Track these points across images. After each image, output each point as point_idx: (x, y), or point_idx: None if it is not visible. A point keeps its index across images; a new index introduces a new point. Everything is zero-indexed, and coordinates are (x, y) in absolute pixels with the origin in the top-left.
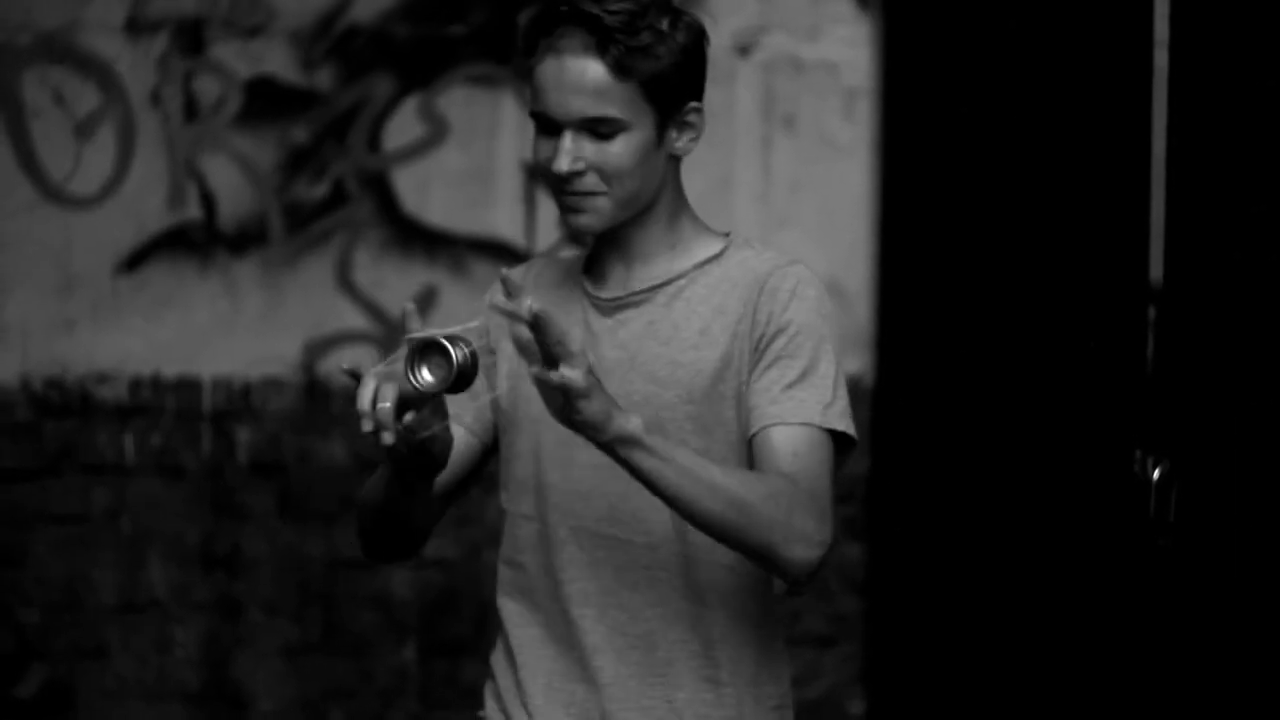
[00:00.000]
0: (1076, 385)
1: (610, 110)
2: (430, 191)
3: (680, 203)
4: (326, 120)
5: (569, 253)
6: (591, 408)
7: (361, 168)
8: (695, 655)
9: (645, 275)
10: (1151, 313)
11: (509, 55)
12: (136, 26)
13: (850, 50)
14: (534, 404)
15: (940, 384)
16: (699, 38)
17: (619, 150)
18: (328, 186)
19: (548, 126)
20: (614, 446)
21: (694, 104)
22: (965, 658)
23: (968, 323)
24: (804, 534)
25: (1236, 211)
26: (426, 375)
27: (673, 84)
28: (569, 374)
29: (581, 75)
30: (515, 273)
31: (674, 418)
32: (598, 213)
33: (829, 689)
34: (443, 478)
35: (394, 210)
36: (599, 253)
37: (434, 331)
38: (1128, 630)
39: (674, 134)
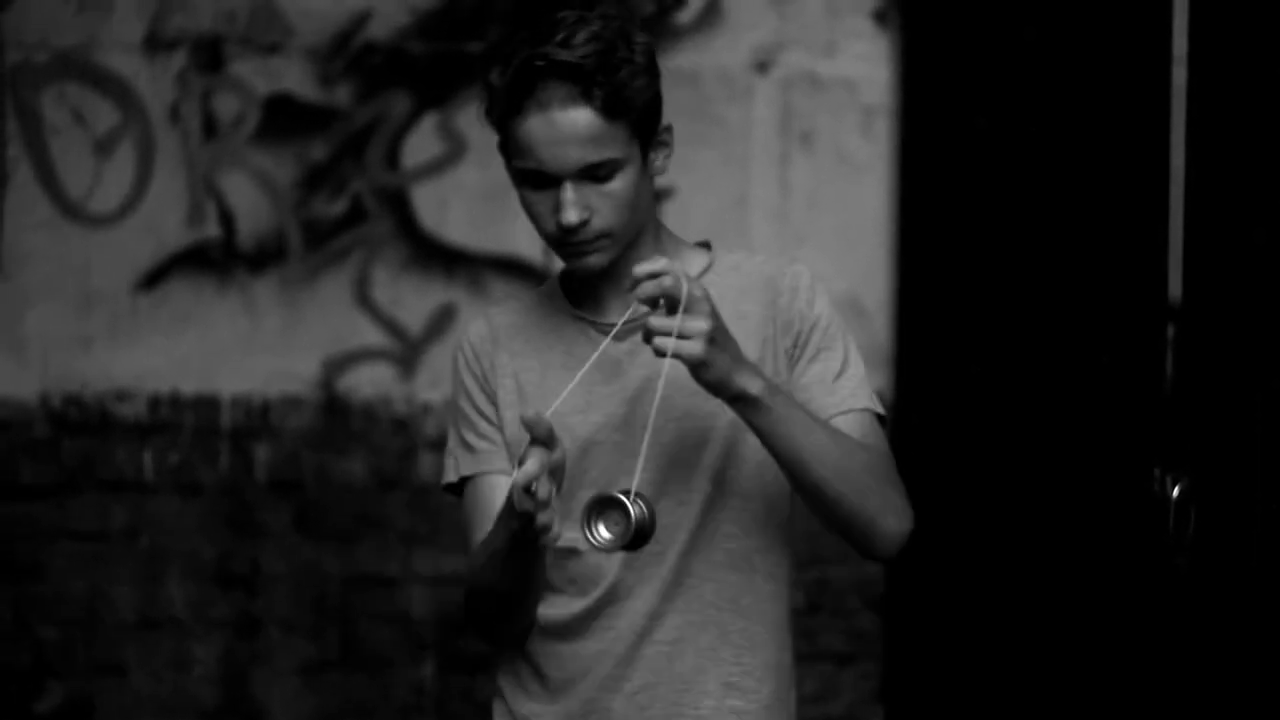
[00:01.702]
0: (1095, 403)
1: (607, 153)
2: (449, 209)
3: (657, 219)
4: (345, 137)
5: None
6: (719, 362)
7: (380, 185)
8: (725, 663)
9: None
10: (1170, 330)
11: None
12: (155, 44)
13: (868, 67)
14: (564, 440)
15: (959, 401)
16: (653, 54)
17: (618, 188)
18: (346, 203)
19: (540, 180)
20: (735, 403)
21: (665, 124)
22: (984, 675)
23: (986, 340)
24: (896, 506)
25: (1255, 229)
26: (604, 532)
27: (652, 111)
28: (700, 324)
29: (574, 125)
30: (479, 327)
31: (717, 426)
32: (605, 252)
33: (848, 706)
34: None
35: (412, 227)
36: (589, 284)
37: (612, 491)
38: (1146, 648)
39: (654, 156)
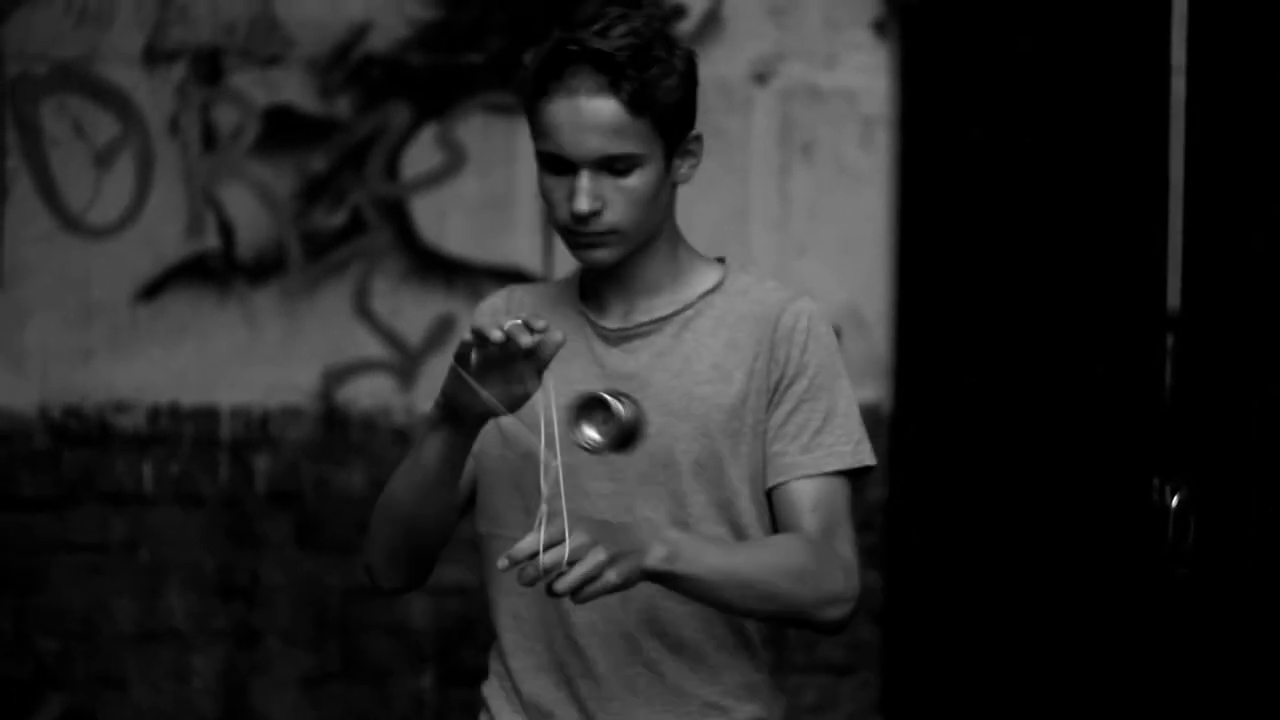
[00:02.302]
0: (1095, 413)
1: (628, 147)
2: (448, 220)
3: (676, 230)
4: (344, 149)
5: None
6: (619, 573)
7: (379, 196)
8: (704, 683)
9: (649, 306)
10: (1169, 340)
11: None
12: (154, 56)
13: (868, 78)
14: (527, 439)
15: (958, 412)
16: (694, 66)
17: (635, 184)
18: (346, 215)
19: (559, 165)
20: (651, 579)
21: (695, 132)
22: (983, 685)
23: (985, 350)
24: (834, 596)
25: (1254, 239)
26: (591, 433)
27: (680, 115)
28: (590, 568)
29: (598, 114)
30: (496, 299)
31: (688, 450)
32: (612, 248)
33: (847, 717)
34: (461, 488)
35: (412, 239)
36: (598, 283)
37: (596, 389)
38: (1146, 658)
39: (678, 163)
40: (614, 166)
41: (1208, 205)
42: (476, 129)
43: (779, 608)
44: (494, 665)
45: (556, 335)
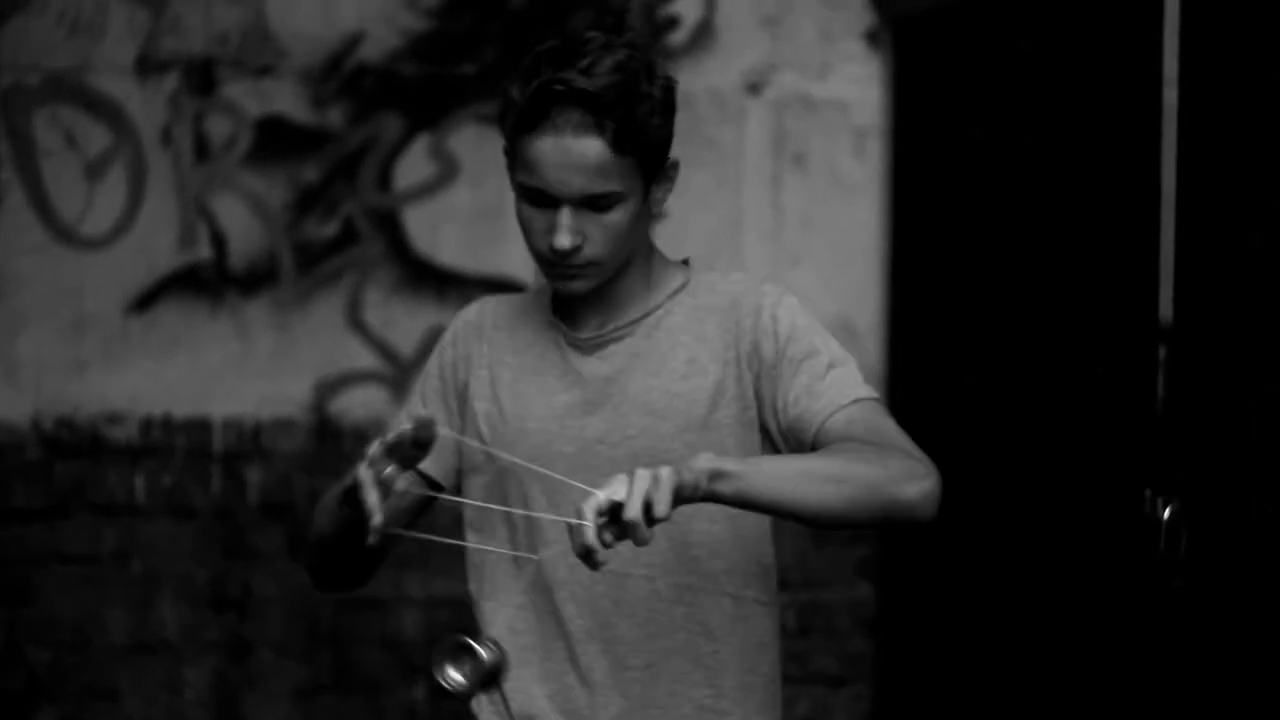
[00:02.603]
0: (1087, 424)
1: (611, 185)
2: (440, 230)
3: (650, 245)
4: (337, 159)
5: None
6: (673, 481)
7: (372, 207)
8: (698, 686)
9: (622, 314)
10: (1162, 351)
11: None
12: (147, 66)
13: (860, 89)
14: (520, 446)
15: (952, 423)
16: (673, 91)
17: (616, 219)
18: (338, 226)
19: (541, 199)
20: (712, 493)
21: (672, 159)
22: (976, 697)
23: (978, 361)
24: (907, 473)
25: (1247, 250)
26: (455, 676)
27: (661, 149)
28: (633, 514)
29: (583, 154)
30: (469, 313)
31: (672, 448)
32: (589, 279)
33: None
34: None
35: (404, 249)
36: (571, 304)
37: (460, 636)
38: (1139, 669)
39: (655, 189)
40: (596, 204)
41: (1200, 217)
42: (469, 140)
43: (854, 490)
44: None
45: (414, 427)
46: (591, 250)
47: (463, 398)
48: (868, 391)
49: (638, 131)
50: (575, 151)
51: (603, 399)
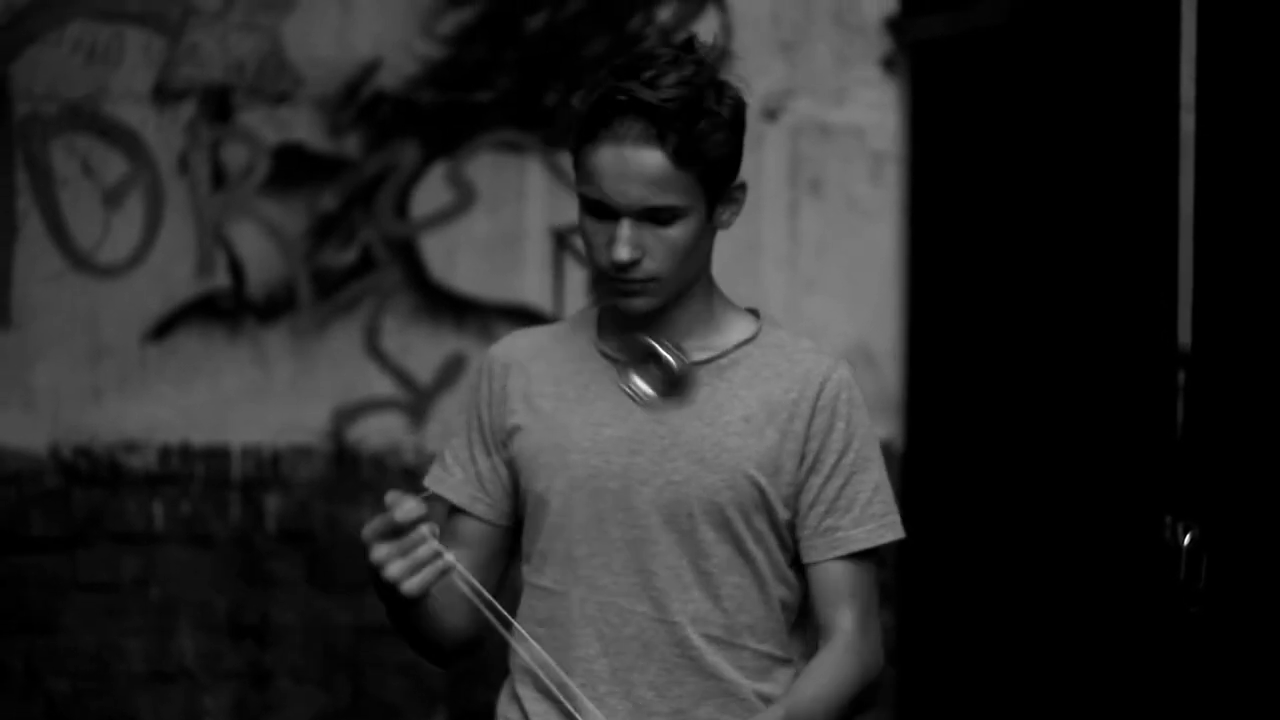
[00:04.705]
0: (1106, 450)
1: (670, 199)
2: (458, 258)
3: (711, 279)
4: (354, 187)
5: (578, 316)
6: None
7: (389, 234)
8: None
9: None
10: (1181, 377)
11: (535, 122)
12: (164, 94)
13: (877, 114)
14: (559, 477)
15: (970, 448)
16: (742, 110)
17: (677, 235)
18: (356, 253)
19: (601, 211)
20: None
21: (739, 180)
22: None
23: (997, 387)
24: (879, 664)
25: (1265, 275)
26: (642, 385)
27: (727, 166)
28: None
29: (643, 166)
30: (493, 362)
31: (715, 500)
32: (651, 296)
33: None
34: (477, 572)
35: (422, 277)
36: (627, 323)
37: (645, 339)
38: (1159, 696)
39: (720, 210)
40: (657, 216)
41: (1218, 242)
42: (486, 167)
43: (862, 703)
44: (501, 710)
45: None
46: (651, 265)
47: (503, 433)
48: (897, 529)
49: (700, 146)
50: (635, 162)
51: (652, 439)
